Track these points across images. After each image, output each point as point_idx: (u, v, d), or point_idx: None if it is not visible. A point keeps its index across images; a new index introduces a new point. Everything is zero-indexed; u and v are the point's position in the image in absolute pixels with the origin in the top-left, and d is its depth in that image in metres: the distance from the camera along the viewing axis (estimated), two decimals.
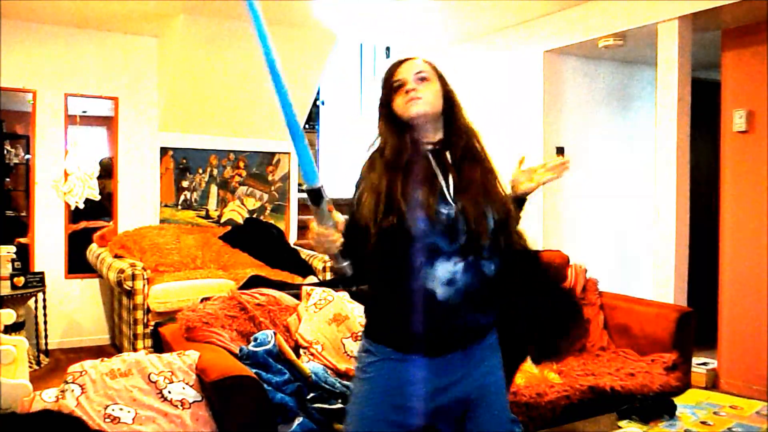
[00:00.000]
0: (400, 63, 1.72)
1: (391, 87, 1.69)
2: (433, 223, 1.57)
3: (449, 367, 1.62)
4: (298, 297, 2.99)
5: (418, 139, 1.67)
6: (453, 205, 1.61)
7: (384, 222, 1.56)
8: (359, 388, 1.67)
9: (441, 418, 1.64)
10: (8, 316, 3.79)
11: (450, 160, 1.68)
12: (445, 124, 1.71)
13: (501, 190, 1.72)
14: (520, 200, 1.83)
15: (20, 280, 4.49)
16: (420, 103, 1.65)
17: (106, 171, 5.22)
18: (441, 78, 1.72)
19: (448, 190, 1.63)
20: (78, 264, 5.14)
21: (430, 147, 1.68)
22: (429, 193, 1.60)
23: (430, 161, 1.66)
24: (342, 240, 1.50)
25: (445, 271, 1.59)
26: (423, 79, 1.68)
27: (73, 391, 2.11)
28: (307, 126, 5.82)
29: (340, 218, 1.51)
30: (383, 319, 1.67)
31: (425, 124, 1.67)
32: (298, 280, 4.48)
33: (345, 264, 1.55)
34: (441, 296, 1.58)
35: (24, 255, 4.90)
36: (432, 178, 1.63)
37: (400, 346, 1.62)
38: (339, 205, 1.62)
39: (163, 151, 5.36)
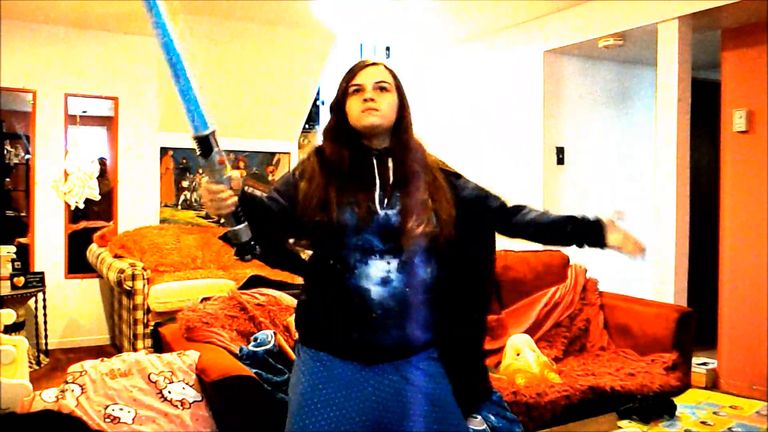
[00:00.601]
0: (363, 66, 1.69)
1: (347, 89, 1.67)
2: (366, 221, 1.57)
3: (383, 377, 1.59)
4: (298, 297, 2.98)
5: (363, 144, 1.67)
6: (390, 206, 1.61)
7: (317, 216, 1.57)
8: (295, 399, 1.60)
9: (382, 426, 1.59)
10: (8, 316, 3.79)
11: (392, 166, 1.66)
12: (392, 134, 1.69)
13: (446, 199, 1.68)
14: (597, 236, 1.80)
15: (20, 280, 4.49)
16: (376, 115, 1.63)
17: (101, 171, 5.22)
18: (399, 88, 1.70)
19: (385, 191, 1.62)
20: (78, 264, 5.14)
21: (375, 152, 1.67)
22: (365, 192, 1.61)
23: (372, 164, 1.65)
24: (236, 199, 1.36)
25: (378, 270, 1.57)
26: (382, 89, 1.65)
27: (73, 391, 2.11)
28: (307, 126, 5.82)
29: (235, 174, 1.37)
30: (316, 320, 1.64)
31: (374, 133, 1.66)
32: (298, 280, 4.47)
33: (241, 227, 1.39)
34: (375, 295, 1.56)
35: (24, 255, 4.90)
36: (370, 179, 1.63)
37: (334, 349, 1.60)
38: None
39: (163, 151, 5.36)
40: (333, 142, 1.67)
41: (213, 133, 1.34)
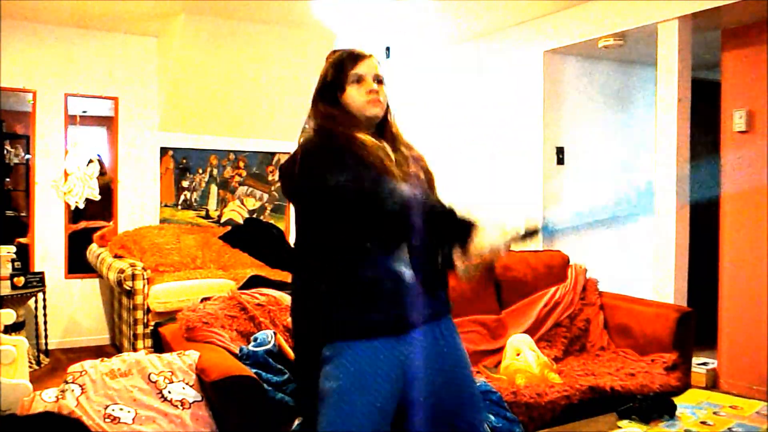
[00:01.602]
0: (361, 57, 1.71)
1: (346, 77, 1.68)
2: (408, 204, 1.57)
3: (415, 341, 1.63)
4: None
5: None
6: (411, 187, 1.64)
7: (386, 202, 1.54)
8: (332, 391, 1.60)
9: (415, 394, 1.64)
10: (8, 316, 3.79)
11: (393, 152, 1.72)
12: (384, 124, 1.73)
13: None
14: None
15: (20, 280, 4.49)
16: (380, 106, 1.68)
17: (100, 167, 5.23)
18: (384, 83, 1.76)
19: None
20: (78, 264, 5.14)
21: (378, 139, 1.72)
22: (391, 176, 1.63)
23: (387, 149, 1.68)
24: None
25: (408, 252, 1.61)
26: (380, 82, 1.70)
27: (73, 391, 2.11)
28: (306, 126, 5.81)
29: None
30: (348, 306, 1.60)
31: (374, 124, 1.70)
32: None
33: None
34: (407, 277, 1.60)
35: (24, 255, 4.90)
36: (390, 162, 1.65)
37: (368, 332, 1.60)
38: None
39: (163, 151, 5.36)
40: (347, 128, 1.66)
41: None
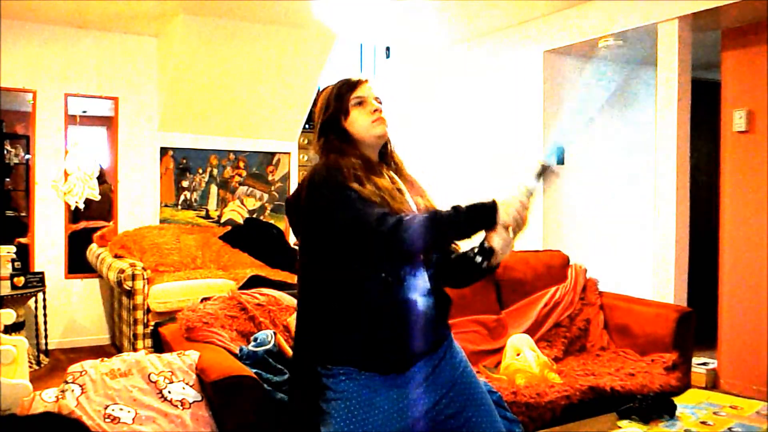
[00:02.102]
0: (358, 82, 1.74)
1: (348, 102, 1.70)
2: (412, 228, 1.55)
3: (415, 381, 1.63)
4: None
5: (365, 155, 1.72)
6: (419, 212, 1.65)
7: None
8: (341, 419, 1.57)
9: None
10: (8, 316, 3.79)
11: (395, 174, 1.76)
12: (384, 146, 1.77)
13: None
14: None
15: (20, 280, 4.49)
16: (385, 124, 1.70)
17: (100, 175, 5.23)
18: None
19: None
20: (78, 264, 5.14)
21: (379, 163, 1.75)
22: (402, 203, 1.63)
23: (390, 174, 1.72)
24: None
25: (424, 280, 1.62)
26: (380, 104, 1.73)
27: (73, 391, 2.11)
28: (307, 126, 5.81)
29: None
30: (358, 336, 1.58)
31: (376, 145, 1.73)
32: None
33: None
34: (421, 305, 1.60)
35: (24, 255, 4.90)
36: (400, 188, 1.69)
37: (374, 364, 1.58)
38: None
39: (163, 151, 5.36)
40: (348, 156, 1.65)
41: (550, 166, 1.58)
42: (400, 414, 1.58)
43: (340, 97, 1.71)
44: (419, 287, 1.60)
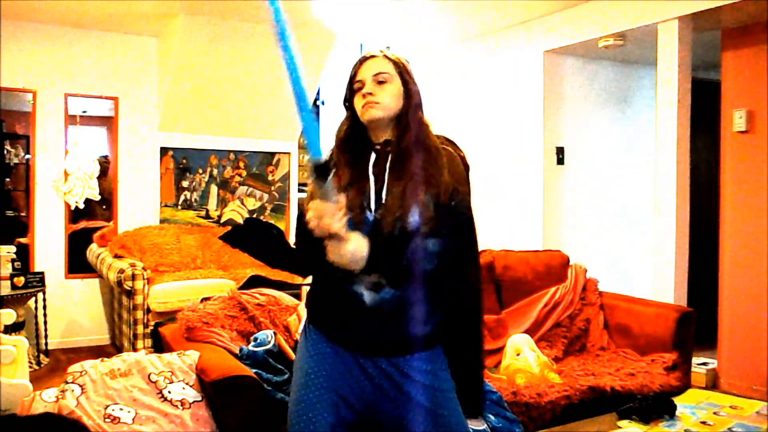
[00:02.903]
0: (362, 61, 1.69)
1: (352, 86, 1.69)
2: (358, 224, 1.53)
3: (382, 370, 1.61)
4: (298, 297, 2.99)
5: (371, 140, 1.68)
6: (379, 208, 1.59)
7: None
8: (301, 369, 1.66)
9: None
10: (8, 316, 3.79)
11: (390, 163, 1.64)
12: (397, 123, 1.67)
13: (440, 185, 1.61)
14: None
15: (20, 280, 4.49)
16: (376, 108, 1.64)
17: (102, 170, 5.23)
18: (403, 75, 1.68)
19: (378, 193, 1.61)
20: (78, 264, 5.14)
21: (377, 147, 1.67)
22: (357, 196, 1.59)
23: (368, 164, 1.65)
24: (346, 219, 1.44)
25: (372, 275, 1.56)
26: (381, 82, 1.65)
27: (73, 391, 2.11)
28: None
29: (342, 197, 1.46)
30: (322, 310, 1.68)
31: (379, 126, 1.67)
32: (298, 280, 4.48)
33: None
34: (368, 299, 1.58)
35: (24, 255, 4.90)
36: (365, 181, 1.62)
37: (337, 339, 1.63)
38: None
39: (163, 151, 5.36)
40: (340, 144, 1.69)
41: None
42: (331, 376, 1.62)
43: (350, 79, 1.71)
44: (365, 281, 1.58)
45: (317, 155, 1.43)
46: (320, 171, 1.42)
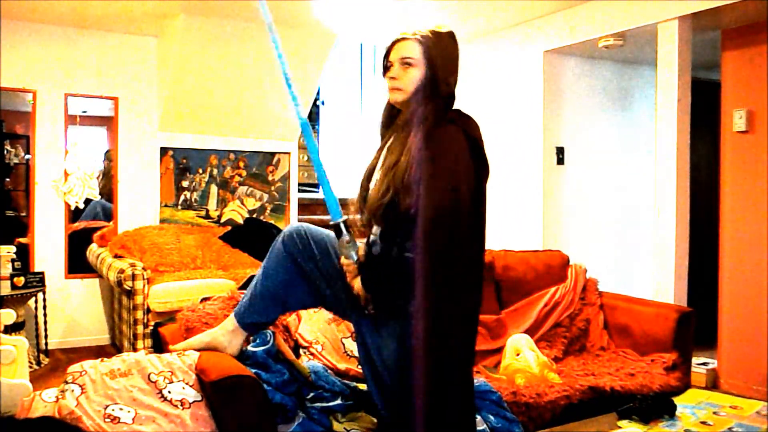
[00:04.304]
0: (394, 43, 1.75)
1: (384, 65, 1.78)
2: (358, 201, 1.78)
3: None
4: None
5: (396, 116, 1.80)
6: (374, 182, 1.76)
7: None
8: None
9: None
10: (8, 316, 3.79)
11: (401, 138, 1.74)
12: (407, 106, 1.77)
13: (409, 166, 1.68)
14: None
15: (20, 280, 4.49)
16: (398, 93, 1.72)
17: (108, 167, 5.23)
18: (430, 60, 1.71)
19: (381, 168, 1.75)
20: (78, 264, 5.14)
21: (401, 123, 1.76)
22: (367, 170, 1.78)
23: (386, 141, 1.78)
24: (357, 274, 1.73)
25: (362, 245, 1.78)
26: (407, 65, 1.70)
27: (72, 391, 2.11)
28: None
29: (360, 246, 1.77)
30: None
31: (404, 106, 1.76)
32: None
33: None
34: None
35: (24, 255, 4.90)
36: (375, 156, 1.79)
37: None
38: (343, 206, 1.81)
39: (163, 151, 5.36)
40: (381, 120, 1.85)
41: (345, 221, 1.73)
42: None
43: (384, 57, 1.79)
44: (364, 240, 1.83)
45: (336, 218, 1.71)
46: (336, 231, 1.74)
